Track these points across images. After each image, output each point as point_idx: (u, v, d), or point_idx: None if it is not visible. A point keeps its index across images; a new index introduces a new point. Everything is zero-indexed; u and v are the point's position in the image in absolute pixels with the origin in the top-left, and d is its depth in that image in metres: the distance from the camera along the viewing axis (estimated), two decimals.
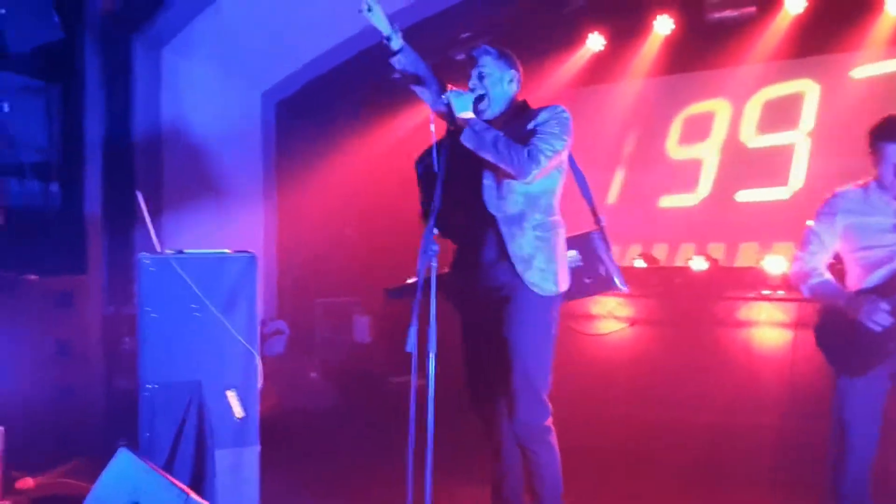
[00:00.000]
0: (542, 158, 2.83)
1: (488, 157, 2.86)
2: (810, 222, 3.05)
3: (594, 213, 3.23)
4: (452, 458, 3.51)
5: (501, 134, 2.87)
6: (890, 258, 2.84)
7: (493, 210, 2.96)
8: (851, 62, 5.32)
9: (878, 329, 2.74)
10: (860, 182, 3.00)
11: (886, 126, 2.86)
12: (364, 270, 6.80)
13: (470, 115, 2.92)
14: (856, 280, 2.94)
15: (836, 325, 2.89)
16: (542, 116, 2.94)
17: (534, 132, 2.90)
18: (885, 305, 2.74)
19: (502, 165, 2.86)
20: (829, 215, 2.98)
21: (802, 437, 4.23)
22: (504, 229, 2.94)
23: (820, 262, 2.99)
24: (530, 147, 2.84)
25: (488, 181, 2.97)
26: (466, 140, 2.87)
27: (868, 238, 2.89)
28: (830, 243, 2.99)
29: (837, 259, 3.06)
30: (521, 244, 2.92)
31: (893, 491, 3.25)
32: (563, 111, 2.97)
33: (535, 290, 2.91)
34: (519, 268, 2.91)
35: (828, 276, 2.98)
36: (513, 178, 2.88)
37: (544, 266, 2.93)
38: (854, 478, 2.83)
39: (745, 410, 4.80)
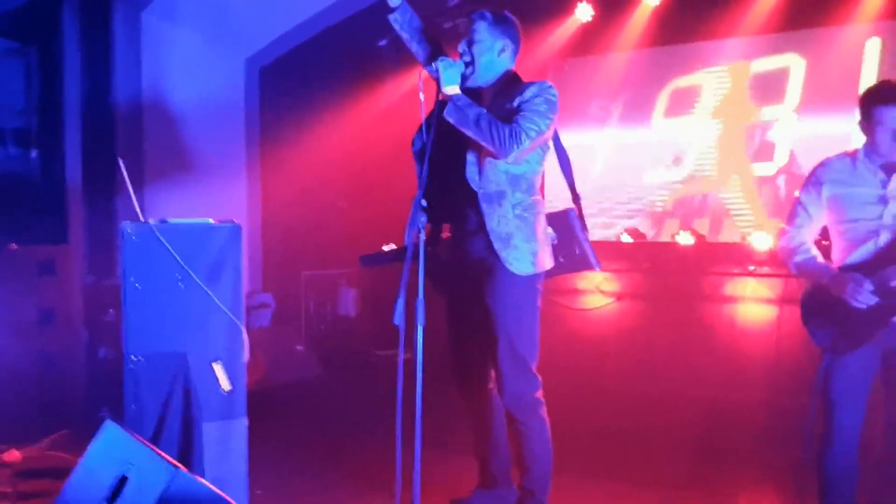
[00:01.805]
0: (525, 139, 2.79)
1: (470, 133, 2.83)
2: (798, 193, 3.00)
3: (573, 193, 3.21)
4: (440, 430, 3.53)
5: (485, 111, 2.83)
6: (875, 232, 2.77)
7: (474, 186, 2.94)
8: (839, 37, 5.30)
9: (863, 307, 2.70)
10: (848, 150, 2.91)
11: (884, 90, 2.76)
12: (351, 242, 6.74)
13: (455, 89, 2.87)
14: (840, 253, 2.88)
15: (821, 303, 2.84)
16: (529, 92, 2.89)
17: (519, 110, 2.85)
18: (868, 285, 2.69)
19: (484, 143, 2.82)
20: (815, 185, 2.90)
21: (787, 411, 4.28)
22: (484, 206, 2.92)
23: (807, 236, 2.94)
24: (514, 126, 2.79)
25: (471, 157, 2.95)
26: (449, 115, 2.83)
27: (853, 210, 2.81)
28: (817, 215, 2.91)
29: (824, 235, 3.00)
30: (500, 222, 2.91)
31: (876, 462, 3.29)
32: (551, 88, 2.92)
33: (512, 269, 2.90)
34: (496, 245, 2.90)
35: (814, 251, 2.92)
36: (495, 156, 2.85)
37: (522, 245, 2.92)
38: (841, 456, 2.80)
39: (730, 385, 4.86)
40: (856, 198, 2.80)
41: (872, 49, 5.20)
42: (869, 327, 2.73)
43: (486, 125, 2.79)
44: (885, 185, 2.76)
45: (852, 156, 2.86)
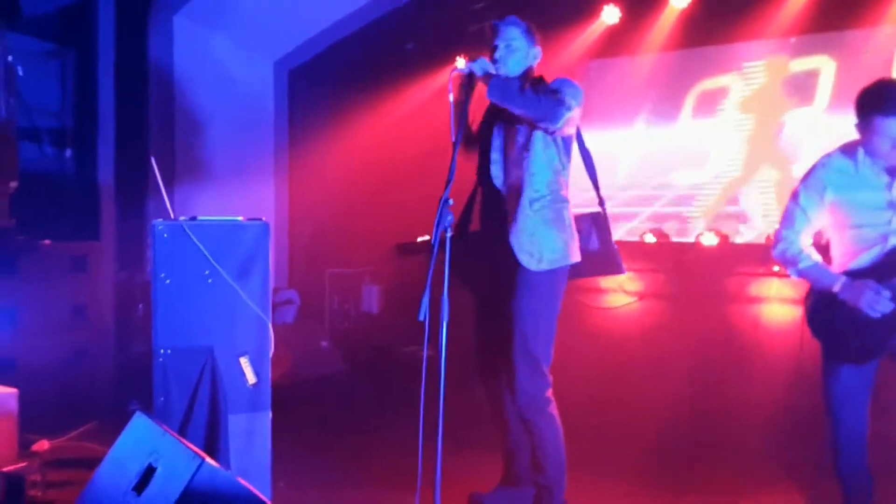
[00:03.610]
0: (569, 105, 2.86)
1: (516, 106, 2.87)
2: (795, 193, 2.82)
3: (598, 195, 3.24)
4: (463, 427, 3.56)
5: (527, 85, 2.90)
6: (883, 237, 2.65)
7: (497, 185, 3.01)
8: (870, 39, 5.25)
9: (878, 316, 2.59)
10: (846, 145, 2.76)
11: (885, 99, 2.59)
12: (374, 241, 6.81)
13: (493, 70, 2.95)
14: (843, 257, 2.76)
15: (832, 311, 2.70)
16: (554, 84, 2.98)
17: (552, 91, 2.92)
18: (886, 293, 2.58)
19: (531, 112, 2.86)
20: (816, 188, 2.75)
21: (811, 413, 4.24)
22: (505, 204, 2.99)
23: (805, 240, 2.81)
24: (557, 95, 2.87)
25: (496, 155, 3.02)
26: (492, 93, 2.88)
27: (859, 216, 2.69)
28: (816, 218, 2.78)
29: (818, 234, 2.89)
30: (519, 219, 2.95)
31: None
32: (572, 80, 3.01)
33: (532, 268, 2.94)
34: (514, 245, 2.94)
35: (816, 256, 2.79)
36: (545, 122, 2.87)
37: (543, 242, 2.95)
38: (850, 458, 2.75)
39: (754, 386, 4.81)
40: (862, 203, 2.69)
41: None
42: (884, 336, 2.63)
43: (531, 94, 2.87)
44: (889, 187, 2.66)
45: (852, 154, 2.72)
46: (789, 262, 2.82)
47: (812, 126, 5.48)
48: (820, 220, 2.79)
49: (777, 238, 2.87)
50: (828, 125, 5.39)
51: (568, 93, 2.90)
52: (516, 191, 2.97)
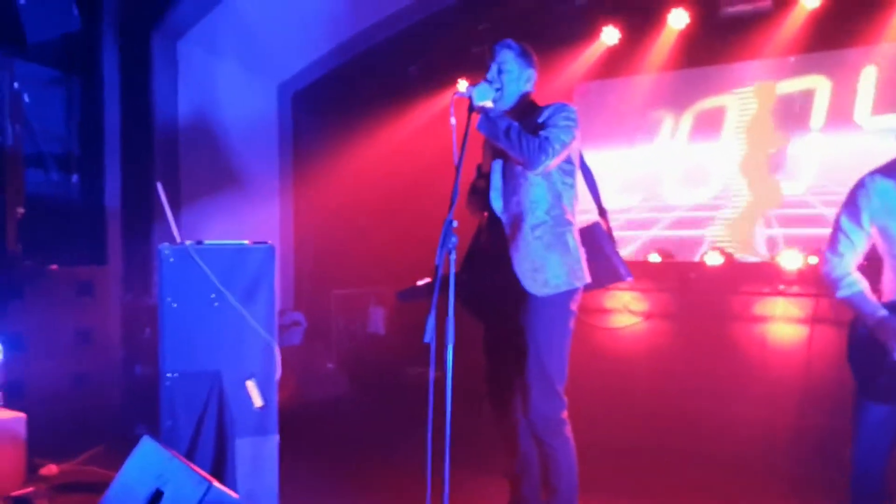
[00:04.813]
0: (552, 151, 2.87)
1: (501, 145, 2.92)
2: (838, 215, 2.69)
3: (600, 208, 3.26)
4: (470, 449, 3.54)
5: (516, 124, 2.91)
6: None
7: (497, 211, 3.03)
8: (866, 58, 5.29)
9: None
10: (888, 164, 2.62)
11: None
12: (380, 262, 6.84)
13: (489, 104, 2.98)
14: (890, 283, 2.63)
15: (869, 344, 2.58)
16: (548, 111, 2.98)
17: (543, 126, 2.94)
18: None
19: (514, 154, 2.90)
20: (853, 213, 2.62)
21: (817, 433, 4.23)
22: (507, 231, 3.01)
23: (851, 263, 2.66)
24: (541, 139, 2.88)
25: (496, 181, 3.04)
26: (481, 127, 2.93)
27: None
28: (860, 241, 2.63)
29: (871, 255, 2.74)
30: (521, 246, 2.97)
31: None
32: (569, 106, 3.01)
33: (533, 290, 2.95)
34: (518, 270, 2.96)
35: (860, 285, 2.63)
36: (525, 167, 2.91)
37: (548, 267, 2.96)
38: (862, 487, 2.67)
39: (760, 406, 4.81)
40: None
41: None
42: None
43: (515, 136, 2.88)
44: None
45: (892, 175, 2.60)
46: (832, 285, 2.69)
47: (809, 144, 5.50)
48: (864, 242, 2.65)
49: (823, 259, 2.75)
50: (824, 142, 5.42)
51: (556, 131, 2.89)
52: (517, 217, 2.99)
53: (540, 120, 2.96)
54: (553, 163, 2.91)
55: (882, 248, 2.64)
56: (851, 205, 2.65)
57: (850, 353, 2.69)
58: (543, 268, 2.96)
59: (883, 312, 2.56)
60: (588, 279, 3.06)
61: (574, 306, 3.03)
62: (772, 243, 5.52)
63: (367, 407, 5.76)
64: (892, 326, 2.51)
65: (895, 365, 2.50)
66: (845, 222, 2.66)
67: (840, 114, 5.36)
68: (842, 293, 2.65)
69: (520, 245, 2.97)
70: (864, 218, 2.61)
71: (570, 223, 3.04)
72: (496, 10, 6.19)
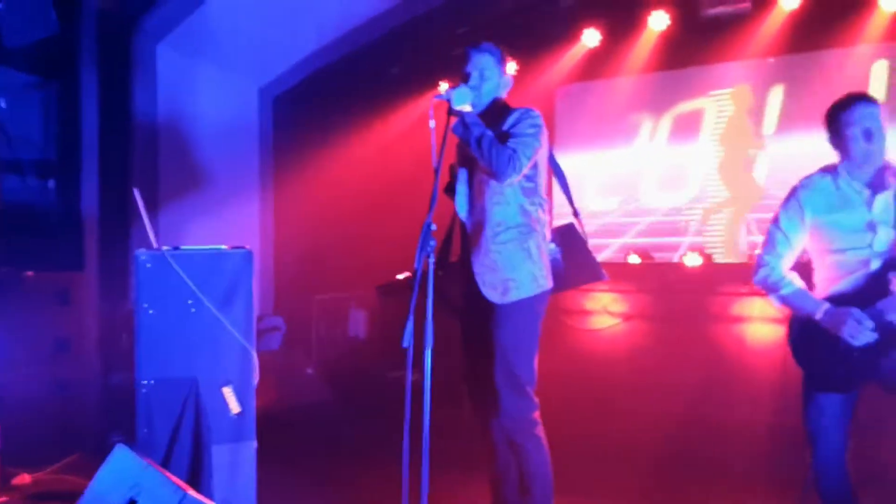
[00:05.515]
0: (519, 165, 2.87)
1: (472, 152, 2.91)
2: (776, 216, 2.78)
3: (573, 209, 3.25)
4: (449, 452, 3.54)
5: (489, 133, 2.90)
6: (866, 262, 2.59)
7: (462, 217, 3.05)
8: (844, 59, 5.33)
9: (860, 346, 2.53)
10: (827, 166, 2.73)
11: (843, 99, 2.66)
12: (361, 266, 6.82)
13: (467, 107, 2.96)
14: (825, 283, 2.71)
15: (815, 339, 2.64)
16: (513, 118, 2.98)
17: (509, 135, 2.93)
18: (868, 323, 2.51)
19: (483, 164, 2.91)
20: (796, 209, 2.71)
21: (794, 431, 4.23)
22: (471, 237, 3.01)
23: (786, 265, 2.75)
24: (510, 152, 2.86)
25: (461, 187, 3.05)
26: (455, 130, 2.93)
27: (842, 239, 2.64)
28: (798, 241, 2.73)
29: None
30: (482, 253, 2.97)
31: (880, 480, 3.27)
32: (534, 112, 3.00)
33: (492, 298, 2.95)
34: (478, 278, 2.97)
35: (798, 283, 2.73)
36: (491, 177, 2.91)
37: (504, 275, 2.95)
38: (829, 482, 2.71)
39: (738, 405, 4.84)
40: (843, 226, 2.63)
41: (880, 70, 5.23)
42: (867, 364, 2.56)
43: (487, 146, 2.86)
44: (870, 205, 2.62)
45: (833, 173, 2.70)
46: (771, 288, 2.76)
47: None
48: (801, 241, 2.74)
49: (758, 263, 2.81)
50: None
51: (523, 143, 2.89)
52: (480, 223, 2.99)
53: (505, 127, 2.96)
54: (520, 176, 2.92)
55: (818, 247, 2.72)
56: (791, 201, 2.74)
57: (796, 351, 2.74)
58: (504, 276, 2.95)
59: (827, 304, 2.63)
60: (551, 284, 3.05)
61: (541, 308, 3.03)
62: (752, 245, 5.55)
63: (346, 411, 5.74)
64: (840, 315, 2.57)
65: (849, 352, 2.57)
66: (784, 221, 2.76)
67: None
68: (784, 291, 2.73)
69: (480, 252, 2.98)
70: (807, 214, 2.70)
71: (533, 230, 3.01)
72: (477, 14, 6.19)
